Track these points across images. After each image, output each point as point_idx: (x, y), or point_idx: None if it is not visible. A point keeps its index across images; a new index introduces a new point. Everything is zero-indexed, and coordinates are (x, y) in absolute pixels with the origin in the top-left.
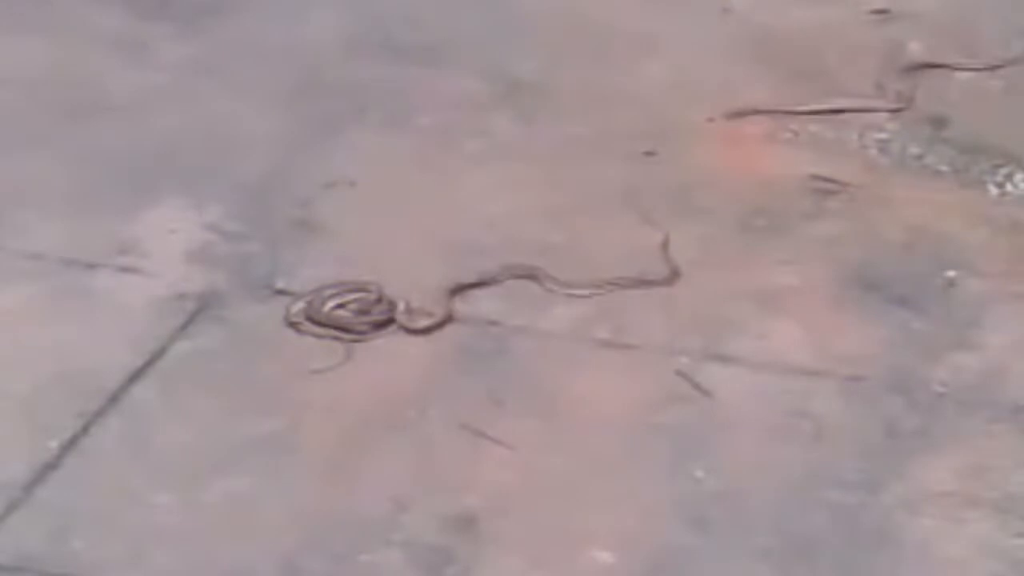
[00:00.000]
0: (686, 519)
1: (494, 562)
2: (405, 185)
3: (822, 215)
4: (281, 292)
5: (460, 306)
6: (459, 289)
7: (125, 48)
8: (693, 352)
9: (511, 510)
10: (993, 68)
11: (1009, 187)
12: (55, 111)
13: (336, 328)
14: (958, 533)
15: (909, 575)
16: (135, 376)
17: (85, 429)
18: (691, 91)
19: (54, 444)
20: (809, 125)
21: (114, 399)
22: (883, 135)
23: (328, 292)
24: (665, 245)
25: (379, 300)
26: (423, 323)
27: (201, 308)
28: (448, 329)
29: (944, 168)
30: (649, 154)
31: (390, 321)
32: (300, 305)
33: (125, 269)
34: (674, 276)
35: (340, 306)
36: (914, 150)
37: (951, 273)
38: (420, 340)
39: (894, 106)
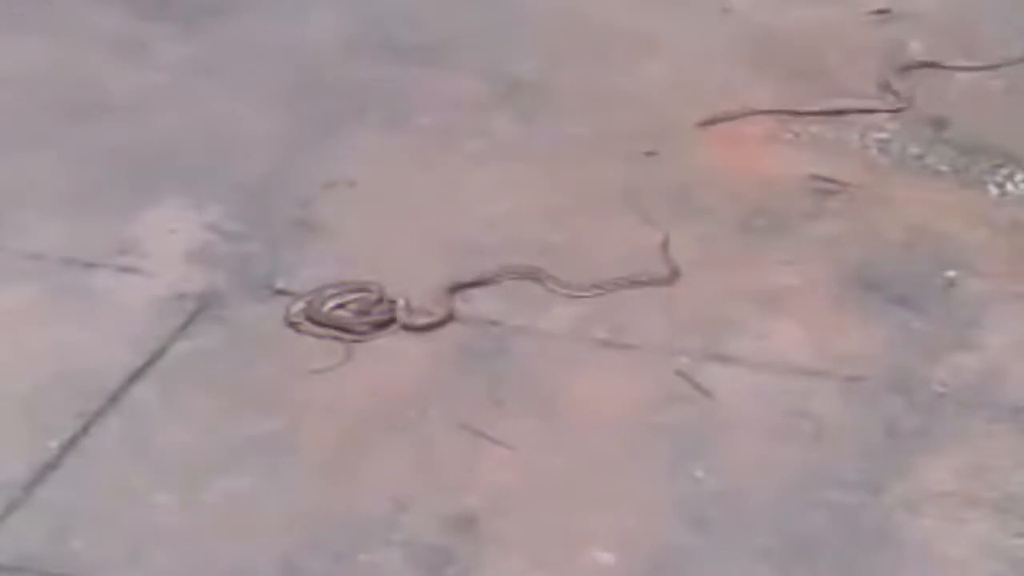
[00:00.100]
0: (686, 519)
1: (494, 562)
2: (405, 185)
3: (822, 215)
4: (281, 292)
5: (460, 306)
6: (458, 288)
7: (125, 48)
8: (693, 352)
9: (511, 510)
10: (993, 67)
11: (1009, 187)
12: (55, 111)
13: (336, 328)
14: (958, 533)
15: (909, 575)
16: (135, 376)
17: (85, 429)
18: (691, 91)
19: (54, 444)
20: (810, 125)
21: (114, 399)
22: (883, 135)
23: (328, 292)
24: (665, 245)
25: (379, 301)
26: (423, 321)
27: (201, 308)
28: (448, 329)
29: (944, 168)
30: (650, 154)
31: (390, 321)
32: (300, 305)
33: (125, 269)
34: (674, 276)
35: (340, 306)
36: (914, 150)
37: (951, 273)
38: (420, 340)
39: (894, 106)
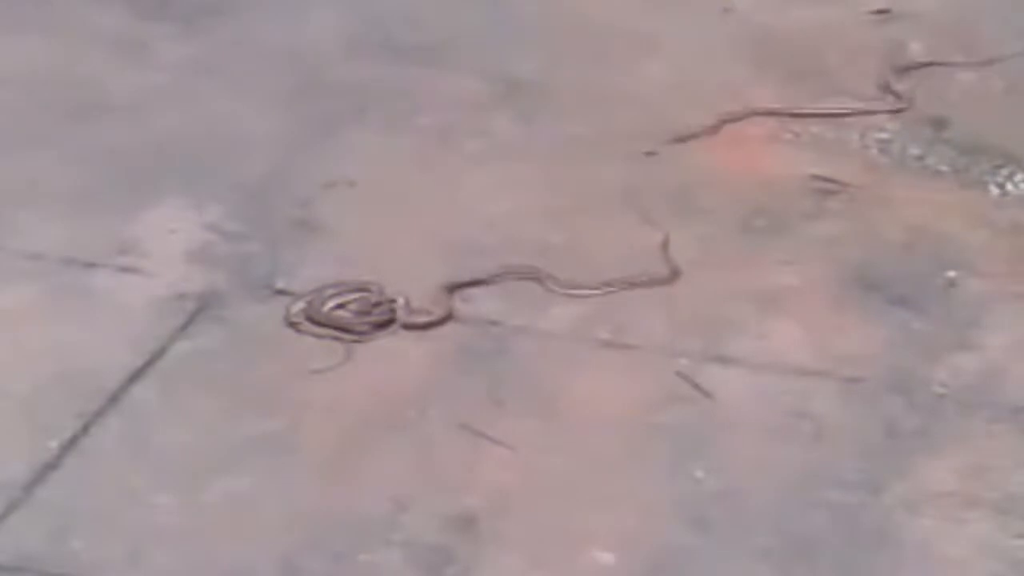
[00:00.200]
0: (686, 519)
1: (494, 562)
2: (405, 185)
3: (822, 215)
4: (281, 292)
5: (460, 306)
6: (457, 287)
7: (125, 48)
8: (693, 352)
9: (511, 510)
10: (991, 63)
11: (1010, 188)
12: (55, 111)
13: (336, 328)
14: (958, 533)
15: (909, 575)
16: (135, 376)
17: (85, 429)
18: (691, 91)
19: (54, 444)
20: (810, 125)
21: (114, 399)
22: (884, 135)
23: (328, 292)
24: (665, 245)
25: (379, 302)
26: (423, 319)
27: (201, 308)
28: (448, 329)
29: (945, 168)
30: (650, 154)
31: (390, 321)
32: (300, 305)
33: (125, 269)
34: (674, 276)
35: (340, 306)
36: (915, 150)
37: (951, 273)
38: (420, 340)
39: (895, 106)
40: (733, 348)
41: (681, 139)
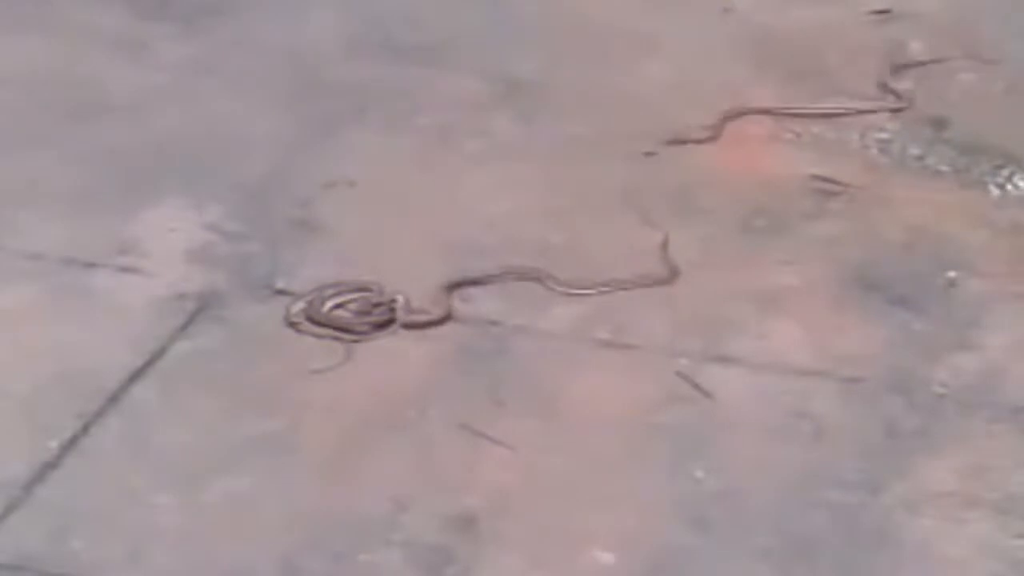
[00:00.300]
0: (686, 519)
1: (494, 562)
2: (405, 185)
3: (823, 215)
4: (281, 292)
5: (461, 306)
6: (456, 286)
7: (125, 48)
8: (693, 352)
9: (511, 510)
10: (992, 62)
11: (1010, 188)
12: (55, 111)
13: (336, 328)
14: (958, 533)
15: (909, 575)
16: (135, 376)
17: (85, 429)
18: (691, 91)
19: (54, 444)
20: (810, 126)
21: (114, 399)
22: (884, 135)
23: (328, 292)
24: (664, 245)
25: (379, 302)
26: (422, 318)
27: (201, 308)
28: (448, 329)
29: (945, 169)
30: (650, 154)
31: (390, 321)
32: (300, 305)
33: (125, 269)
34: (674, 276)
35: (340, 306)
36: (915, 151)
37: (952, 274)
38: (420, 340)
39: (895, 106)
40: (733, 348)
41: (679, 141)
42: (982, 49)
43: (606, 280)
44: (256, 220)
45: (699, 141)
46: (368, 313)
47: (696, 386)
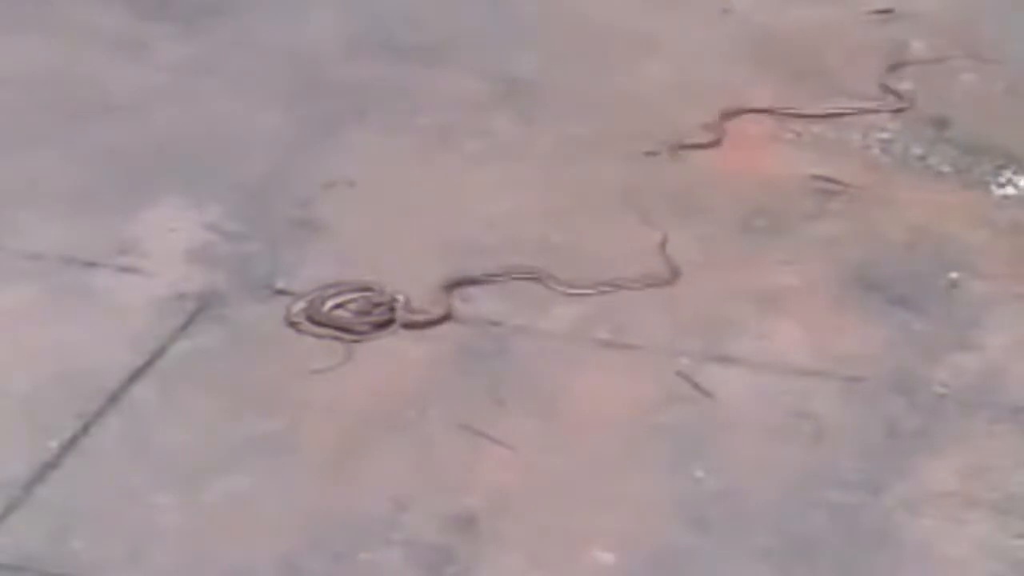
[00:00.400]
0: (686, 519)
1: (494, 562)
2: (405, 185)
3: (823, 215)
4: (281, 292)
5: (461, 306)
6: (455, 285)
7: (125, 48)
8: (694, 352)
9: (511, 510)
10: (993, 62)
11: (1011, 188)
12: (55, 111)
13: (336, 328)
14: (958, 533)
15: (909, 575)
16: (135, 376)
17: (85, 429)
18: (691, 91)
19: (54, 444)
20: (811, 125)
21: (114, 399)
22: (885, 135)
23: (329, 292)
24: (663, 245)
25: (379, 302)
26: (422, 318)
27: (201, 308)
28: (448, 329)
29: (946, 169)
30: (650, 154)
31: (390, 321)
32: (301, 305)
33: (125, 269)
34: (675, 276)
35: (339, 306)
36: (916, 151)
37: (953, 274)
38: (420, 340)
39: (896, 106)
40: (733, 348)
41: (681, 147)
42: (983, 49)
43: (606, 280)
44: (256, 220)
45: (701, 147)
46: (368, 313)
47: (696, 386)
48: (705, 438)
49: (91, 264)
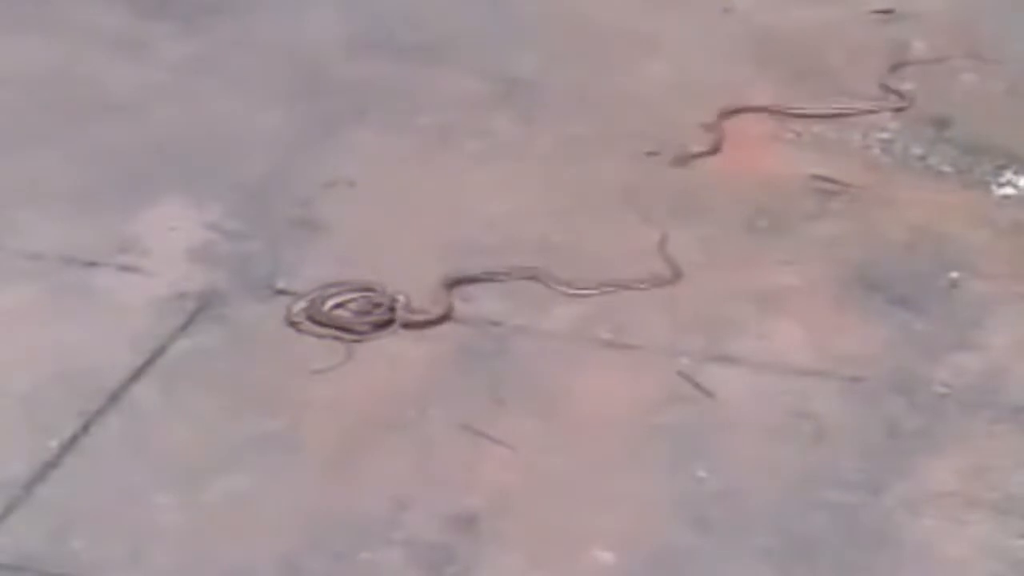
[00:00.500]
0: (686, 519)
1: (494, 561)
2: (405, 185)
3: (824, 215)
4: (282, 292)
5: (461, 306)
6: (455, 283)
7: (125, 47)
8: (694, 352)
9: (512, 510)
10: (994, 62)
11: (1011, 188)
12: (55, 111)
13: (337, 328)
14: (959, 533)
15: (909, 575)
16: (135, 375)
17: (85, 428)
18: (692, 91)
19: (54, 443)
20: (812, 125)
21: (114, 398)
22: (886, 135)
23: (330, 291)
24: (662, 245)
25: (379, 302)
26: (422, 317)
27: (202, 307)
28: (449, 329)
29: (947, 169)
30: (651, 154)
31: (391, 321)
32: (301, 304)
33: (125, 268)
34: (675, 276)
35: (340, 306)
36: (917, 150)
37: (954, 274)
38: (421, 340)
39: (897, 106)
40: (734, 348)
41: (682, 159)
42: (984, 49)
43: (607, 280)
44: (256, 219)
45: (703, 154)
46: (368, 313)
47: (697, 386)
48: (706, 438)
49: (91, 264)
